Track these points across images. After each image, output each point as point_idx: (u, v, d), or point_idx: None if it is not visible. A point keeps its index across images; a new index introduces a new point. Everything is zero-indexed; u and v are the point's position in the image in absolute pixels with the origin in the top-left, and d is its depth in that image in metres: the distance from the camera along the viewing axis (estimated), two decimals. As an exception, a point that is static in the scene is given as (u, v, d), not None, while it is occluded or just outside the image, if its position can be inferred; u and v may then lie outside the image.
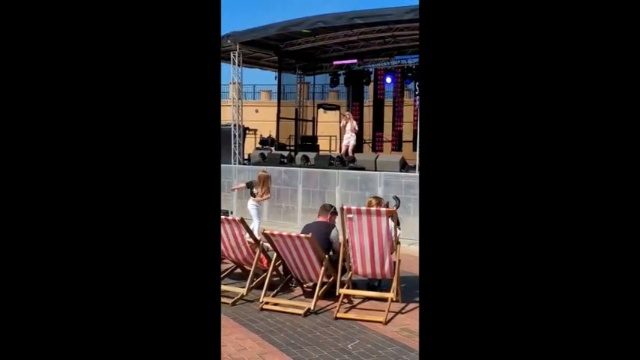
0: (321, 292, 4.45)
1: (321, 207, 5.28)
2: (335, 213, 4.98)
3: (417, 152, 8.75)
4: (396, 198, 5.56)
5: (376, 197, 5.42)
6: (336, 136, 15.86)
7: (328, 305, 4.46)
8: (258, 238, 5.02)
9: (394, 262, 4.45)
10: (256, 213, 7.03)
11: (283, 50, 12.63)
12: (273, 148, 12.97)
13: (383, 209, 4.50)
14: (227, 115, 12.59)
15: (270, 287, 4.71)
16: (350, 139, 11.51)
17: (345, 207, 4.47)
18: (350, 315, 4.26)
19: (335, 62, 13.11)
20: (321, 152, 13.03)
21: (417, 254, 5.10)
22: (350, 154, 11.23)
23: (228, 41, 11.42)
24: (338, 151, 13.65)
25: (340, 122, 12.37)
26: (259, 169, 10.21)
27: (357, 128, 11.85)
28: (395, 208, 4.70)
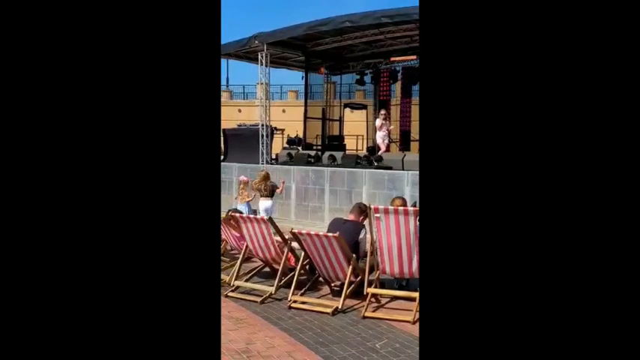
0: (348, 291, 4.46)
1: (355, 205, 5.25)
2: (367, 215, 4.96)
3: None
4: (424, 197, 5.51)
5: (400, 198, 5.39)
6: (362, 136, 15.82)
7: (356, 304, 4.47)
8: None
9: (422, 262, 4.43)
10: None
11: (310, 50, 12.67)
12: (300, 148, 13.04)
13: (411, 208, 4.48)
14: (255, 115, 12.74)
15: (298, 286, 4.74)
16: (385, 139, 11.56)
17: (372, 206, 4.47)
18: (378, 314, 4.26)
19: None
20: (347, 152, 13.02)
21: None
22: (384, 150, 11.30)
23: (256, 42, 11.53)
24: (365, 151, 13.62)
25: (376, 121, 12.32)
26: (286, 169, 10.31)
27: (389, 128, 12.00)
28: (423, 208, 4.67)
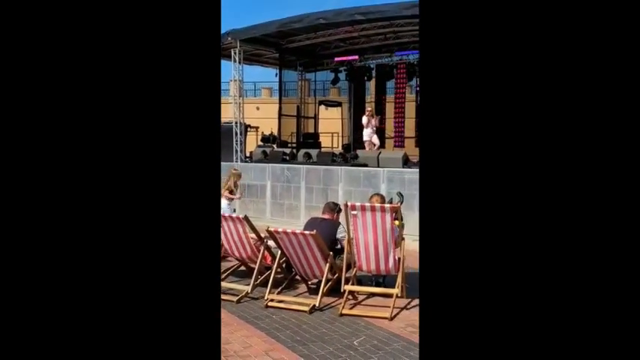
0: (325, 288, 4.45)
1: (325, 205, 5.26)
2: (340, 211, 4.97)
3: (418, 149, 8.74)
4: (400, 194, 5.55)
5: (379, 195, 5.40)
6: (338, 133, 15.82)
7: (333, 302, 4.46)
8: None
9: (398, 258, 4.45)
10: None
11: (284, 47, 12.62)
12: (274, 146, 12.97)
13: (387, 205, 4.49)
14: (228, 113, 12.58)
15: (275, 284, 4.71)
16: (372, 136, 11.58)
17: (349, 203, 4.46)
18: (355, 311, 4.26)
19: (336, 59, 13.05)
20: (323, 149, 13.02)
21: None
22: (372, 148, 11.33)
23: (229, 38, 11.41)
24: (340, 148, 13.62)
25: (363, 118, 12.29)
26: (261, 167, 10.25)
27: (375, 125, 12.01)
28: (399, 205, 4.69)
